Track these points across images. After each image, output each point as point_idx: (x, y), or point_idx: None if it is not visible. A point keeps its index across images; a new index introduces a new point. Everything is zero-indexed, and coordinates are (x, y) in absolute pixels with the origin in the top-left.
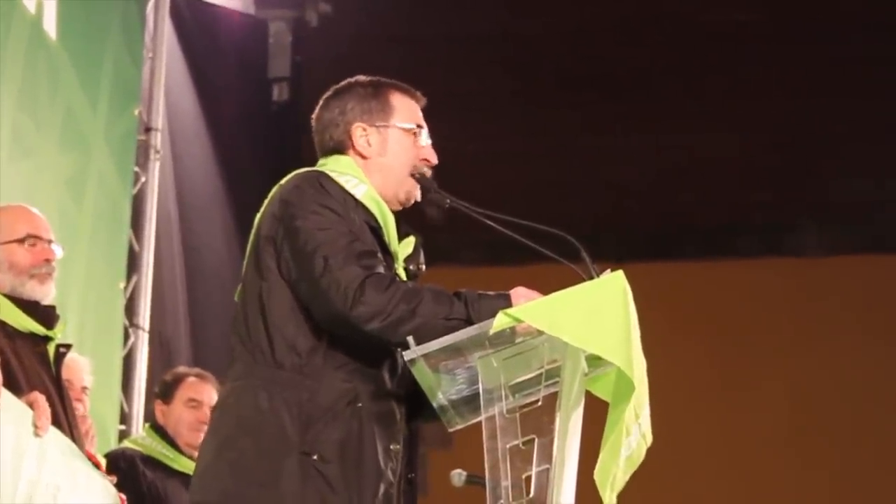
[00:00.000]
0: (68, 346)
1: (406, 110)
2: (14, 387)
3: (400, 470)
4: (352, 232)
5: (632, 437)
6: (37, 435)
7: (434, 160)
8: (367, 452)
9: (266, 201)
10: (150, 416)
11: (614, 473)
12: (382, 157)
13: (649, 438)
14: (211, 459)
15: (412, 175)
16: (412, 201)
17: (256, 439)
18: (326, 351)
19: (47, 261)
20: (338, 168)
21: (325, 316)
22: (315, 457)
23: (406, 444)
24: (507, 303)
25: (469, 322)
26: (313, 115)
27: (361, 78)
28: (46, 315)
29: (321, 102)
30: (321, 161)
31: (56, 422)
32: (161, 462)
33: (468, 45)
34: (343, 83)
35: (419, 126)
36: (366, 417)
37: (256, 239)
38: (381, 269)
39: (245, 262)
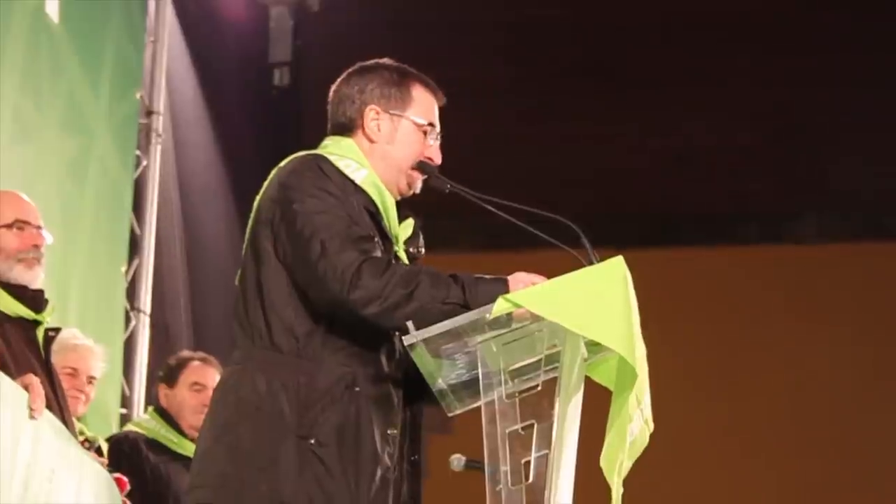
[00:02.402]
0: (57, 330)
1: (424, 105)
2: (3, 371)
3: (397, 454)
4: (349, 216)
5: (634, 423)
6: (32, 417)
7: (438, 160)
8: (365, 437)
9: (265, 184)
10: (151, 400)
11: (621, 460)
12: (389, 146)
13: (651, 425)
14: (210, 443)
15: (413, 168)
16: (409, 194)
17: (254, 423)
18: (324, 335)
19: (35, 246)
20: (338, 151)
21: (323, 300)
22: (312, 441)
23: (408, 428)
24: (504, 287)
25: (466, 306)
26: (332, 87)
27: (389, 62)
28: (35, 299)
29: (343, 76)
30: (324, 142)
31: (47, 405)
32: (164, 445)
33: (468, 32)
34: (370, 62)
35: (431, 124)
36: (363, 402)
37: (255, 223)
38: (377, 254)
39: (244, 247)
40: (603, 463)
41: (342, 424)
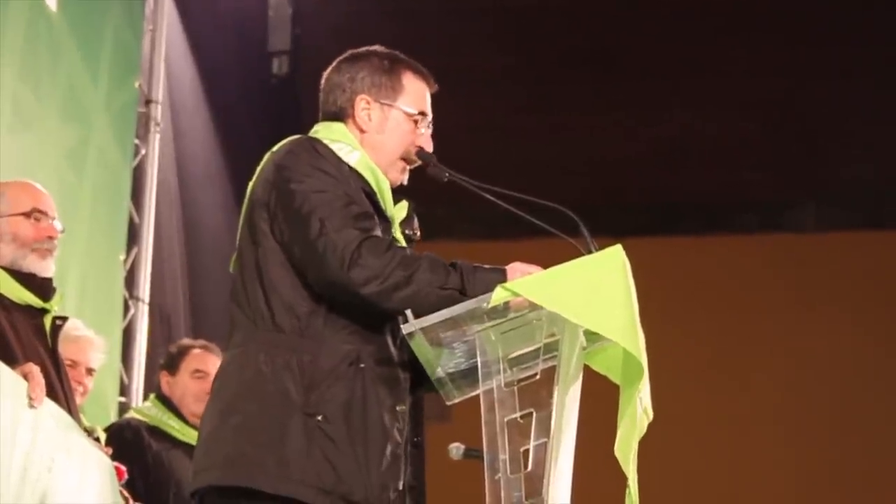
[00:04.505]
0: (64, 319)
1: (415, 94)
2: (10, 359)
3: (407, 432)
4: (347, 194)
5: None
6: (31, 406)
7: (429, 149)
8: (372, 412)
9: (258, 168)
10: (150, 388)
11: (635, 450)
12: (379, 135)
13: (650, 413)
14: (215, 425)
15: (403, 158)
16: (397, 184)
17: (260, 402)
18: (326, 313)
19: (50, 237)
20: (330, 135)
21: (320, 279)
22: (319, 417)
23: (412, 407)
24: (502, 276)
25: (463, 293)
26: (324, 74)
27: (380, 49)
28: (43, 287)
29: (334, 64)
30: (315, 127)
31: (51, 393)
32: (166, 432)
33: (467, 20)
34: (361, 50)
35: (422, 113)
36: (369, 378)
37: (250, 206)
38: (377, 232)
39: (239, 231)
40: (618, 453)
41: (349, 401)
